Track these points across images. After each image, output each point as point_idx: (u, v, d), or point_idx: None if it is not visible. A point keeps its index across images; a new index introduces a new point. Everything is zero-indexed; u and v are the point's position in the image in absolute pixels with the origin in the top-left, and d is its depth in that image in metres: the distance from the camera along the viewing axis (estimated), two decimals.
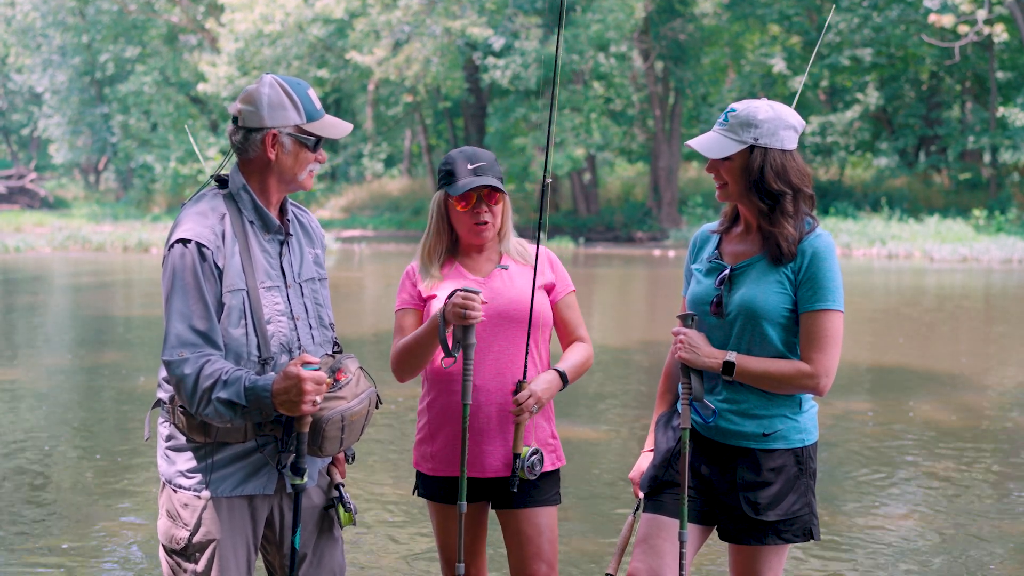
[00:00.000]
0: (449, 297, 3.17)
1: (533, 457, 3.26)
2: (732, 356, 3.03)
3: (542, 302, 3.38)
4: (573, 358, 3.42)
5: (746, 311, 3.05)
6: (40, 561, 5.13)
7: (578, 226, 34.63)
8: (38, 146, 57.68)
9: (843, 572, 5.07)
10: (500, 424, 3.33)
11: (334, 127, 2.90)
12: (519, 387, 3.25)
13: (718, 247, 3.20)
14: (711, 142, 3.07)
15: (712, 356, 3.05)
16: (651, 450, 3.33)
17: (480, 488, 3.37)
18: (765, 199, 3.03)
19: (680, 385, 3.13)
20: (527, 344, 3.28)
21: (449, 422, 3.36)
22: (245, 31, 34.17)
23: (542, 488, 3.37)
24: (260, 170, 2.86)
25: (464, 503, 3.24)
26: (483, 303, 3.16)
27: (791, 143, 3.05)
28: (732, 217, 3.21)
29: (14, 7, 45.86)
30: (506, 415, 3.31)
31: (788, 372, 3.02)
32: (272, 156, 2.83)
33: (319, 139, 2.88)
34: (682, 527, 3.05)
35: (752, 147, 3.02)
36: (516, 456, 3.26)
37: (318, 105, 2.89)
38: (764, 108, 3.03)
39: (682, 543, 3.05)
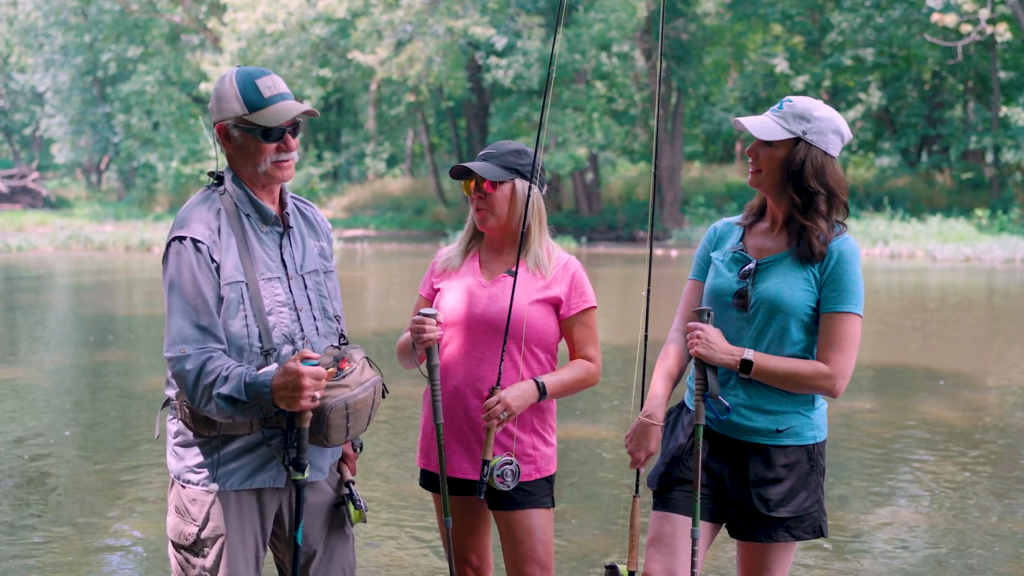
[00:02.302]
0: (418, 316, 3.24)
1: (505, 467, 3.22)
2: (750, 354, 3.01)
3: (538, 317, 3.34)
4: (562, 373, 3.36)
5: (770, 305, 3.03)
6: (43, 559, 5.13)
7: (580, 225, 34.63)
8: (40, 146, 57.72)
9: (845, 570, 5.06)
10: (472, 431, 3.33)
11: (275, 114, 2.81)
12: (491, 393, 3.24)
13: (742, 240, 3.18)
14: (761, 124, 3.04)
15: (729, 353, 3.02)
16: (650, 418, 3.11)
17: (470, 484, 3.37)
18: (800, 194, 3.03)
19: (694, 381, 3.11)
20: (503, 350, 3.26)
21: (429, 416, 3.43)
22: (247, 30, 34.17)
23: (532, 491, 3.36)
24: (234, 164, 2.90)
25: (450, 519, 3.29)
26: (438, 323, 3.21)
27: (835, 149, 3.05)
28: (758, 211, 3.19)
29: (16, 7, 45.92)
30: (478, 423, 3.31)
31: (806, 372, 3.01)
32: (229, 149, 2.86)
33: (271, 129, 2.81)
34: (694, 524, 3.04)
35: (799, 139, 3.02)
36: (485, 463, 3.22)
37: (267, 93, 2.81)
38: (822, 107, 3.05)
39: (694, 540, 3.04)
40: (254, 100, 2.80)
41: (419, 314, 3.23)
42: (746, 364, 3.00)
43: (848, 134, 3.09)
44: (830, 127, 3.02)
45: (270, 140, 2.82)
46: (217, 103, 2.83)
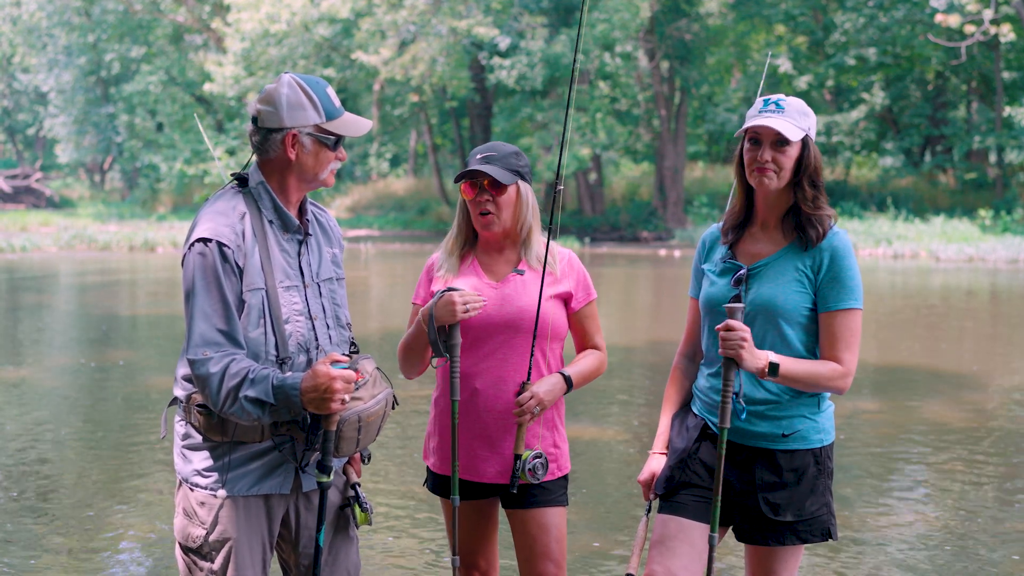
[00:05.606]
0: (438, 297, 3.20)
1: (536, 460, 3.26)
2: (774, 357, 2.94)
3: (554, 312, 3.37)
4: (581, 364, 3.42)
5: (766, 311, 3.02)
6: (47, 559, 5.15)
7: (583, 226, 34.64)
8: (44, 146, 57.79)
9: (846, 570, 5.07)
10: (498, 432, 3.33)
11: (354, 125, 2.88)
12: (522, 388, 3.26)
13: (731, 247, 3.17)
14: (784, 126, 2.99)
15: (760, 357, 2.92)
16: (660, 452, 3.29)
17: (484, 487, 3.38)
18: (811, 188, 3.05)
19: (721, 382, 3.01)
20: (532, 347, 3.28)
21: (439, 420, 3.42)
22: (251, 31, 34.18)
23: (549, 489, 3.38)
24: (280, 170, 2.86)
25: (457, 497, 3.29)
26: (483, 304, 3.23)
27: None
28: (740, 215, 3.18)
29: (20, 7, 45.97)
30: (504, 424, 3.32)
31: (825, 372, 2.99)
32: (292, 156, 2.83)
33: (339, 138, 2.87)
34: (713, 530, 3.02)
35: (805, 136, 3.04)
36: (517, 457, 3.25)
37: (337, 103, 2.87)
38: (803, 103, 3.08)
39: (711, 546, 3.02)
40: (330, 109, 2.83)
41: (450, 289, 3.20)
42: (773, 367, 2.92)
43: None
44: (815, 121, 3.08)
45: (334, 149, 2.86)
46: (289, 110, 2.79)
